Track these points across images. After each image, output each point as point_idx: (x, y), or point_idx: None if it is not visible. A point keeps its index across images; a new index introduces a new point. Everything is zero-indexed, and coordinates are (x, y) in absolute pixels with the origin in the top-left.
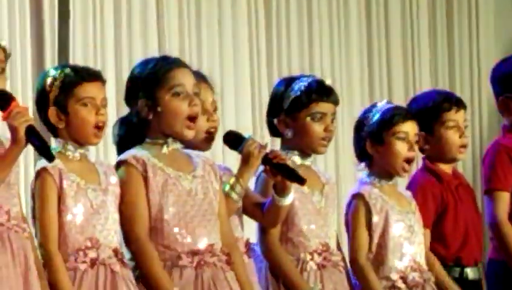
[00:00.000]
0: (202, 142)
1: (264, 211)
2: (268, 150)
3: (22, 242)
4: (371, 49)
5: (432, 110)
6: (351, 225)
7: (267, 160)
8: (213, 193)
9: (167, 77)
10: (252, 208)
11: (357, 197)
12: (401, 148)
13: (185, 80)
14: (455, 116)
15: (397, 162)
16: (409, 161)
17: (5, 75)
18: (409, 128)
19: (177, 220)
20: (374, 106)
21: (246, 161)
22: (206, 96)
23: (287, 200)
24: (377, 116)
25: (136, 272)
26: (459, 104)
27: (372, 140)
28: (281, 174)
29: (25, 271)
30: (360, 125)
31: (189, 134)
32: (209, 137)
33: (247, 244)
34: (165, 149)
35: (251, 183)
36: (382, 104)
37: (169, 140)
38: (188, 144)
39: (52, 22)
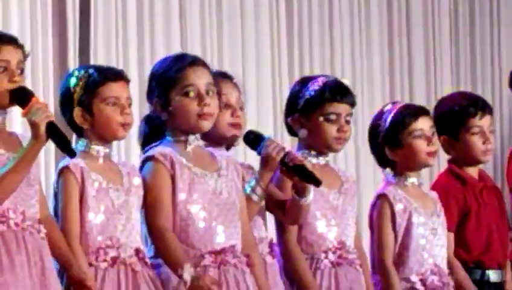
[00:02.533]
0: (226, 137)
1: (285, 209)
2: (286, 150)
3: (37, 243)
4: (392, 49)
5: (457, 114)
6: (376, 226)
7: (284, 161)
8: (236, 193)
9: (178, 77)
10: (274, 206)
11: (382, 197)
12: (420, 145)
13: (196, 80)
14: (480, 122)
15: (420, 160)
16: (430, 155)
17: (24, 75)
18: (423, 124)
19: (201, 219)
20: (382, 112)
21: (265, 163)
22: (231, 92)
23: (308, 199)
24: (388, 121)
25: (160, 268)
26: (484, 109)
27: (390, 145)
28: (297, 176)
29: (41, 272)
30: (374, 133)
31: (205, 125)
32: (234, 133)
33: (271, 244)
34: (188, 148)
35: None
36: (390, 107)
37: (190, 137)
38: (214, 138)
39: (74, 22)
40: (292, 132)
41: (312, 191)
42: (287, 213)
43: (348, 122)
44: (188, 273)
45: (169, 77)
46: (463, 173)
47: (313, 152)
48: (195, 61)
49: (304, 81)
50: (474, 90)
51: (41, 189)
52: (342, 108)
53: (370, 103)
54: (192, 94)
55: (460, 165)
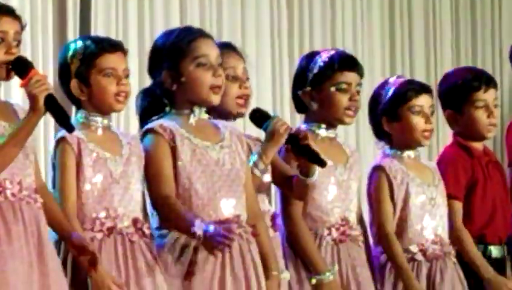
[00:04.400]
0: (234, 109)
1: (292, 185)
2: (293, 130)
3: (34, 213)
4: (392, 24)
5: (461, 88)
6: (374, 198)
7: (291, 140)
8: (240, 164)
9: (191, 47)
10: (281, 180)
11: (378, 169)
12: (417, 122)
13: (208, 51)
14: (484, 96)
15: (416, 136)
16: (426, 133)
17: (20, 47)
18: (424, 101)
19: (204, 190)
20: (386, 82)
21: (270, 138)
22: (237, 64)
23: (313, 179)
24: (390, 93)
25: (165, 239)
26: (489, 82)
27: (388, 117)
28: (302, 156)
29: (38, 242)
30: (375, 103)
31: (215, 99)
32: (241, 104)
33: (274, 217)
34: (191, 119)
35: None
36: (394, 80)
37: (196, 109)
38: (222, 112)
39: None
40: (299, 108)
41: (317, 171)
42: (295, 189)
43: (357, 92)
44: (200, 228)
45: (180, 48)
46: (470, 145)
47: (322, 125)
48: (205, 33)
49: (311, 55)
50: (474, 66)
51: (36, 159)
52: (352, 77)
53: (370, 79)
54: (206, 64)
55: (465, 139)
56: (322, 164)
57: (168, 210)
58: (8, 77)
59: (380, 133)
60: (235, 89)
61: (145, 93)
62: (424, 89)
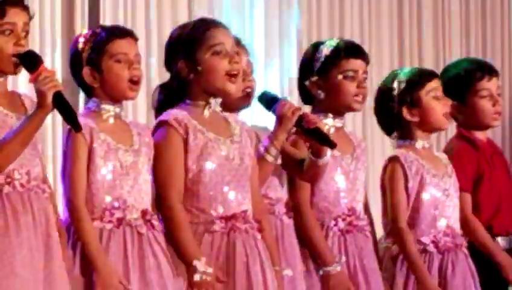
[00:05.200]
0: (239, 101)
1: (303, 168)
2: (301, 112)
3: (42, 203)
4: (401, 14)
5: (464, 79)
6: (388, 189)
7: (300, 122)
8: (248, 159)
9: (206, 36)
10: (292, 165)
11: (393, 160)
12: (436, 105)
13: (224, 39)
14: (488, 85)
15: (437, 119)
16: (445, 115)
17: (28, 38)
18: (436, 84)
19: (213, 184)
20: (394, 75)
21: (279, 122)
22: (241, 57)
23: (325, 160)
24: (403, 82)
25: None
26: (491, 72)
27: (409, 105)
28: (312, 138)
29: (46, 231)
30: (385, 96)
31: (232, 88)
32: (246, 97)
33: (288, 205)
34: (206, 112)
35: None
36: (402, 71)
37: (212, 100)
38: (227, 103)
39: None
40: (306, 98)
41: (329, 151)
42: (305, 172)
43: (364, 79)
44: (202, 266)
45: (196, 37)
46: (474, 137)
47: (330, 114)
48: (220, 23)
49: (317, 45)
50: (484, 56)
51: (41, 152)
52: (358, 64)
53: (379, 68)
54: (222, 52)
55: (469, 129)
56: (332, 145)
57: (172, 226)
58: (16, 71)
59: (390, 126)
60: (239, 83)
61: (162, 88)
62: (434, 73)
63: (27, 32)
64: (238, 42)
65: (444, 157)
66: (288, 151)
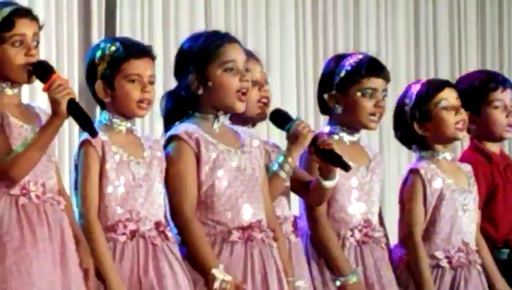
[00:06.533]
0: (255, 113)
1: (309, 190)
2: (316, 132)
3: (57, 215)
4: (417, 28)
5: (478, 90)
6: (406, 200)
7: (315, 143)
8: (259, 170)
9: (219, 52)
10: (298, 186)
11: (414, 172)
12: (447, 116)
13: (236, 56)
14: (502, 96)
15: (449, 131)
16: (459, 125)
17: (39, 48)
18: (448, 94)
19: (227, 196)
20: (407, 90)
21: (294, 140)
22: (254, 67)
23: (332, 183)
24: (414, 95)
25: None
26: (505, 83)
27: (418, 120)
28: (326, 159)
29: (61, 243)
30: (401, 111)
31: (241, 106)
32: (263, 107)
33: (295, 223)
34: (215, 125)
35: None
36: (413, 85)
37: (220, 114)
38: (242, 117)
39: None
40: (324, 110)
41: (337, 175)
42: (311, 195)
43: (383, 97)
44: (221, 273)
45: (208, 52)
46: (487, 149)
47: (345, 128)
48: (233, 38)
49: (339, 59)
50: (501, 69)
51: (57, 162)
52: (378, 83)
53: (394, 83)
54: (234, 70)
55: (483, 141)
56: (347, 167)
57: (187, 236)
58: (29, 80)
59: (409, 140)
60: (254, 93)
61: (170, 96)
62: (445, 83)
63: (38, 42)
64: (250, 54)
65: (468, 170)
66: (296, 172)
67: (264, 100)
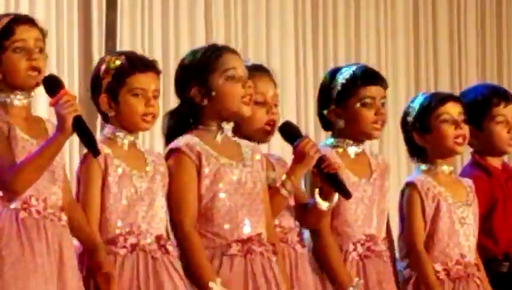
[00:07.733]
0: (260, 134)
1: (305, 212)
2: (322, 153)
3: (57, 231)
4: (417, 39)
5: (480, 104)
6: (406, 214)
7: (320, 164)
8: (260, 184)
9: (219, 61)
10: (295, 206)
11: (410, 186)
12: (447, 129)
13: (236, 64)
14: (504, 111)
15: (448, 145)
16: (459, 139)
17: (45, 54)
18: (451, 108)
19: (227, 209)
20: (413, 100)
21: (300, 159)
22: (267, 89)
23: (331, 205)
24: (417, 106)
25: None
26: (508, 98)
27: (419, 131)
28: (329, 183)
29: (59, 259)
30: (405, 121)
31: (247, 111)
32: (268, 130)
33: (300, 234)
34: (218, 137)
35: None
36: (418, 96)
37: (224, 125)
38: (246, 135)
39: (100, 10)
40: (326, 126)
41: (336, 199)
42: (307, 216)
43: (383, 104)
44: (218, 288)
45: (208, 63)
46: (487, 163)
47: (349, 141)
48: (231, 49)
49: (333, 73)
50: (500, 81)
51: (66, 174)
52: (376, 91)
53: (394, 94)
54: (235, 77)
55: (484, 156)
56: (348, 195)
57: (186, 248)
58: (36, 86)
59: (413, 150)
60: (263, 114)
61: (171, 114)
62: (449, 96)
63: (41, 48)
64: (266, 72)
65: (467, 183)
66: (297, 192)
67: (271, 123)
